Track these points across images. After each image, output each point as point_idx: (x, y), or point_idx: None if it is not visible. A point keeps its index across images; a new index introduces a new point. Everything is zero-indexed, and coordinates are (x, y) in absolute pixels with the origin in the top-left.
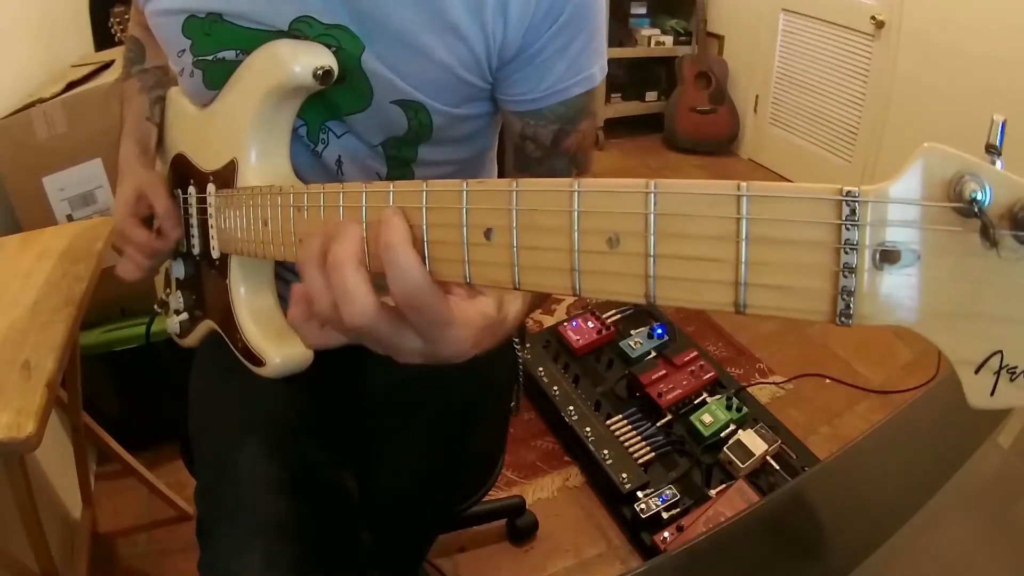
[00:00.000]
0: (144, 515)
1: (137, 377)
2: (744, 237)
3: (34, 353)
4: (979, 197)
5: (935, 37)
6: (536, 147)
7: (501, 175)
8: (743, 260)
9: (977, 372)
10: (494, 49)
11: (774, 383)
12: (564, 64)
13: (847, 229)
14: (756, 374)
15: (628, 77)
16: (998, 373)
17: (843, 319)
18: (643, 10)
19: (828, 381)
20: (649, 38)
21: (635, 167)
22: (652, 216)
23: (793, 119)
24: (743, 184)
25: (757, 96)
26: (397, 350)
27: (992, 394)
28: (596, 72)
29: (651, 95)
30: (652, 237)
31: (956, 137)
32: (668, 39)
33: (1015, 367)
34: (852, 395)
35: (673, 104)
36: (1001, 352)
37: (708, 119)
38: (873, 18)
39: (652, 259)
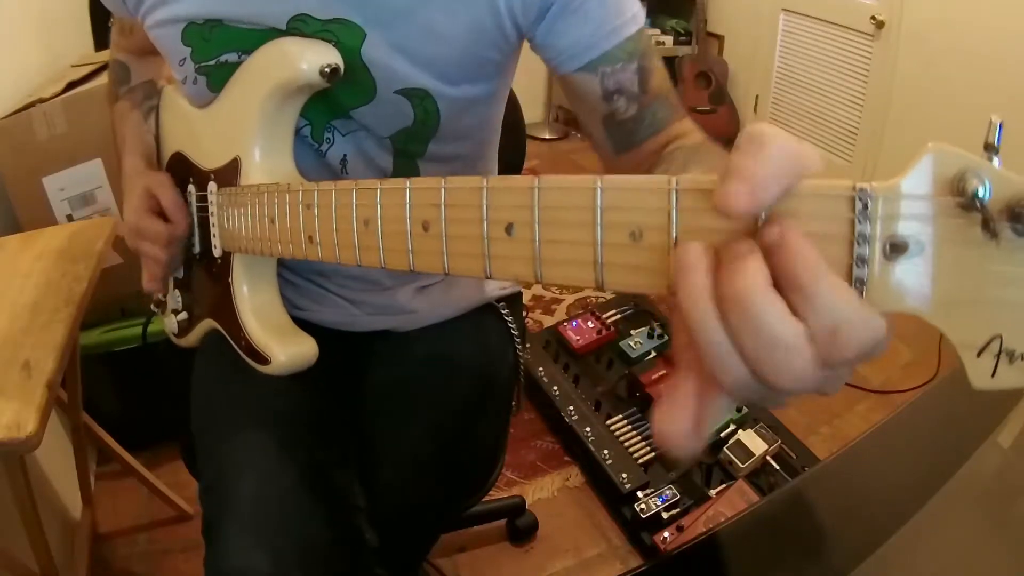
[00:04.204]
0: (144, 515)
1: (137, 377)
2: None
3: (34, 353)
4: (980, 193)
5: (935, 37)
6: (627, 100)
7: (508, 169)
8: None
9: (979, 355)
10: (508, 12)
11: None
12: (603, 3)
13: (860, 223)
14: None
15: None
16: (998, 356)
17: None
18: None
19: None
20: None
21: None
22: (674, 211)
23: (793, 119)
24: None
25: (757, 96)
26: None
27: (993, 376)
28: (639, 12)
29: None
30: (675, 231)
31: (956, 137)
32: (668, 39)
33: (1013, 350)
34: (852, 395)
35: None
36: (1001, 336)
37: (708, 119)
38: (873, 18)
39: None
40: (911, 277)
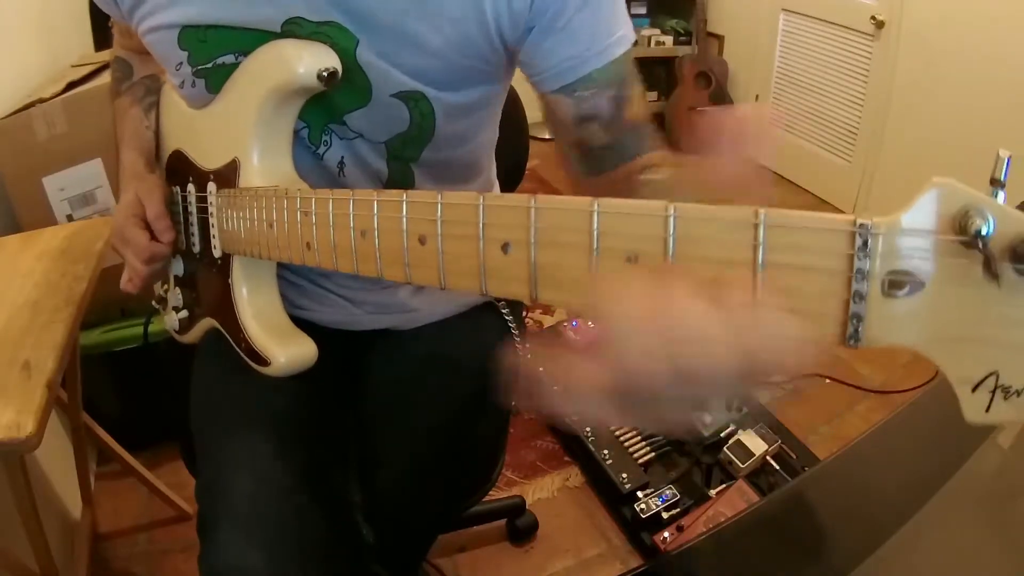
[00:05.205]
0: (144, 515)
1: (137, 377)
2: (760, 263)
3: (34, 353)
4: (984, 232)
5: (935, 37)
6: (600, 126)
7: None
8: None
9: (974, 391)
10: (495, 26)
11: (774, 383)
12: (591, 22)
13: (859, 259)
14: None
15: None
16: (993, 392)
17: (852, 341)
18: (643, 10)
19: (828, 381)
20: (649, 38)
21: None
22: (671, 239)
23: (793, 119)
24: (761, 211)
25: (757, 96)
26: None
27: (987, 410)
28: (627, 33)
29: (651, 95)
30: (671, 259)
31: (955, 139)
32: (668, 39)
33: (1009, 387)
34: (852, 395)
35: (673, 104)
36: (997, 373)
37: None
38: (873, 18)
39: None
40: (909, 313)
